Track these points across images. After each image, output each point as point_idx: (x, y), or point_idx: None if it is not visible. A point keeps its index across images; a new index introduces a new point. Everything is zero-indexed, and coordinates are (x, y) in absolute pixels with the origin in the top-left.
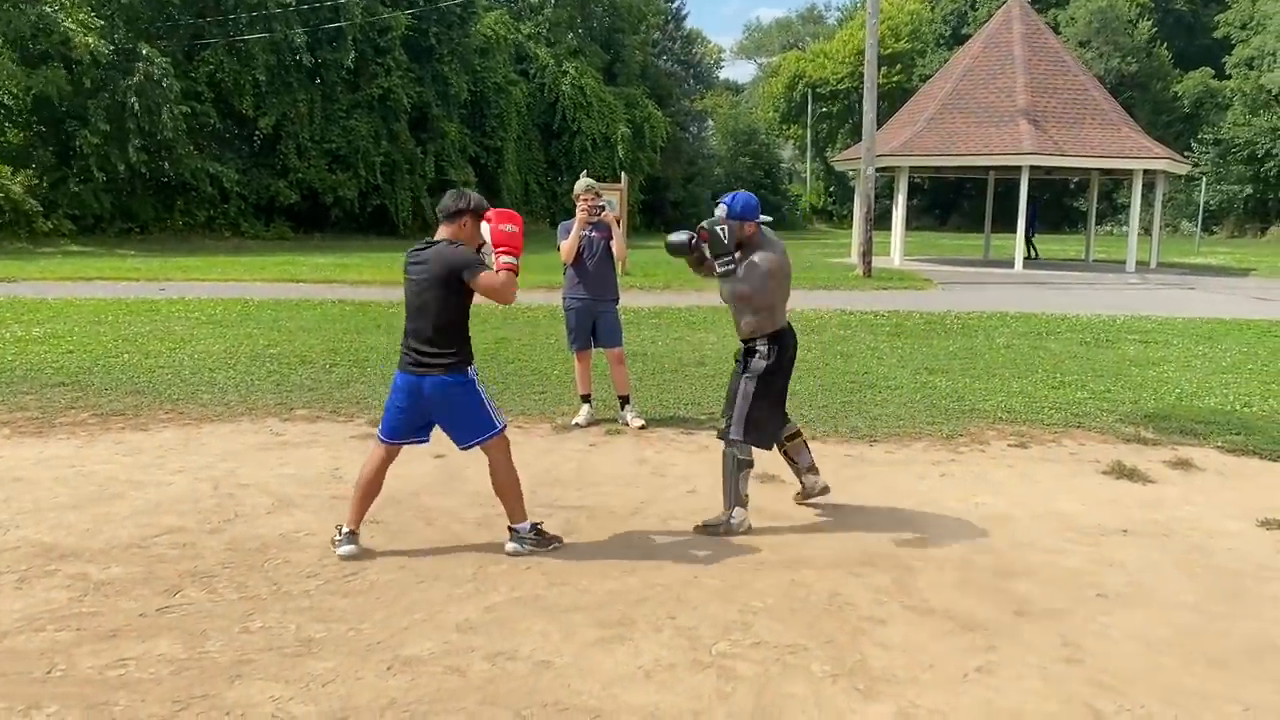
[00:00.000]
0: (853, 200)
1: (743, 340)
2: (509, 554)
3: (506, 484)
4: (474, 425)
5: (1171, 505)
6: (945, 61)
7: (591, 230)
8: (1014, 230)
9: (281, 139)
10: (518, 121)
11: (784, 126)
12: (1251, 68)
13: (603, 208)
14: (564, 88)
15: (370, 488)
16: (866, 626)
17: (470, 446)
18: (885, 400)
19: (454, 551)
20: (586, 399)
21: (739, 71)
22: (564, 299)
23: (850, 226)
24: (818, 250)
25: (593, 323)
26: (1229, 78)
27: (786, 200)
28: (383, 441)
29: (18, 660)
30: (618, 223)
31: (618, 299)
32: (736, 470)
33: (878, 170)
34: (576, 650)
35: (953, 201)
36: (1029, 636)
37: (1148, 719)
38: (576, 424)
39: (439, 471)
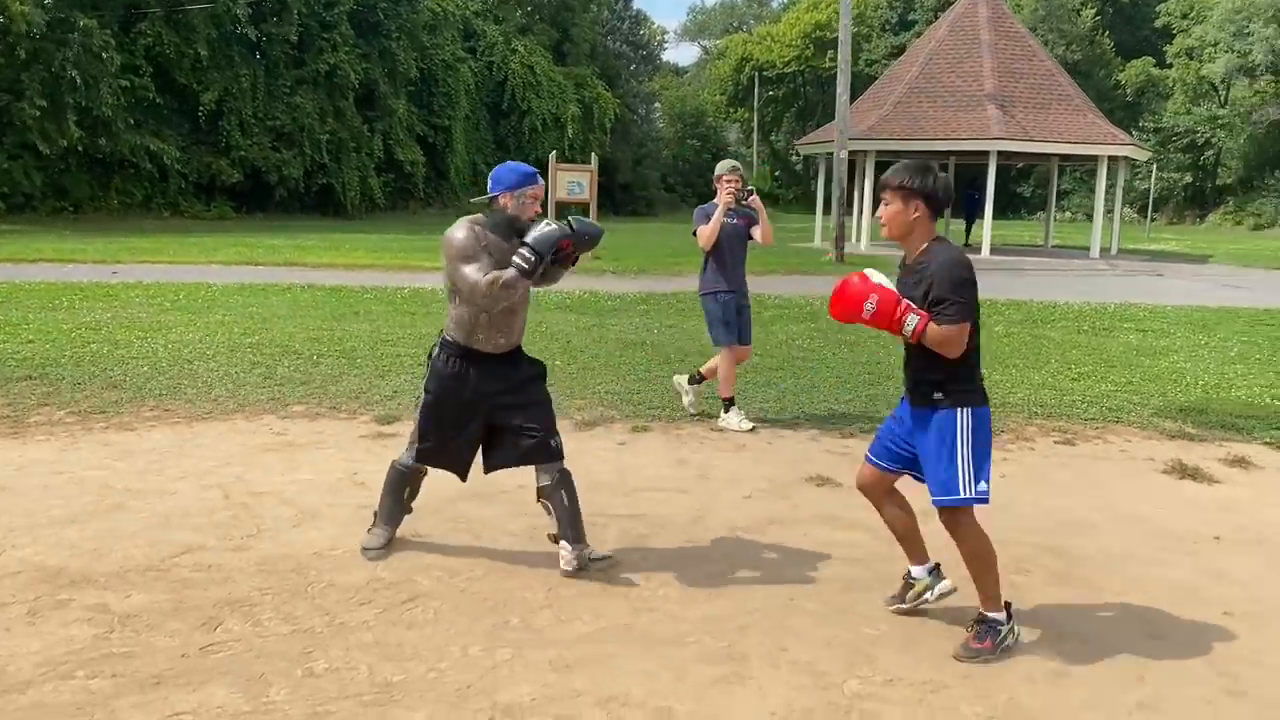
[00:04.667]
0: (800, 184)
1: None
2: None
3: None
4: None
5: (1249, 508)
6: (892, 47)
7: (735, 217)
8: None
9: (224, 115)
10: (466, 100)
11: (731, 109)
12: (1192, 57)
13: (751, 191)
14: (513, 66)
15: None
16: (1000, 658)
17: None
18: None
19: (514, 570)
20: (732, 402)
21: (682, 54)
22: (704, 293)
23: (801, 211)
24: (777, 235)
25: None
26: (1170, 67)
27: None
28: None
29: (50, 718)
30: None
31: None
32: None
33: (826, 155)
34: (695, 693)
35: None
36: (1174, 664)
37: None
38: (753, 428)
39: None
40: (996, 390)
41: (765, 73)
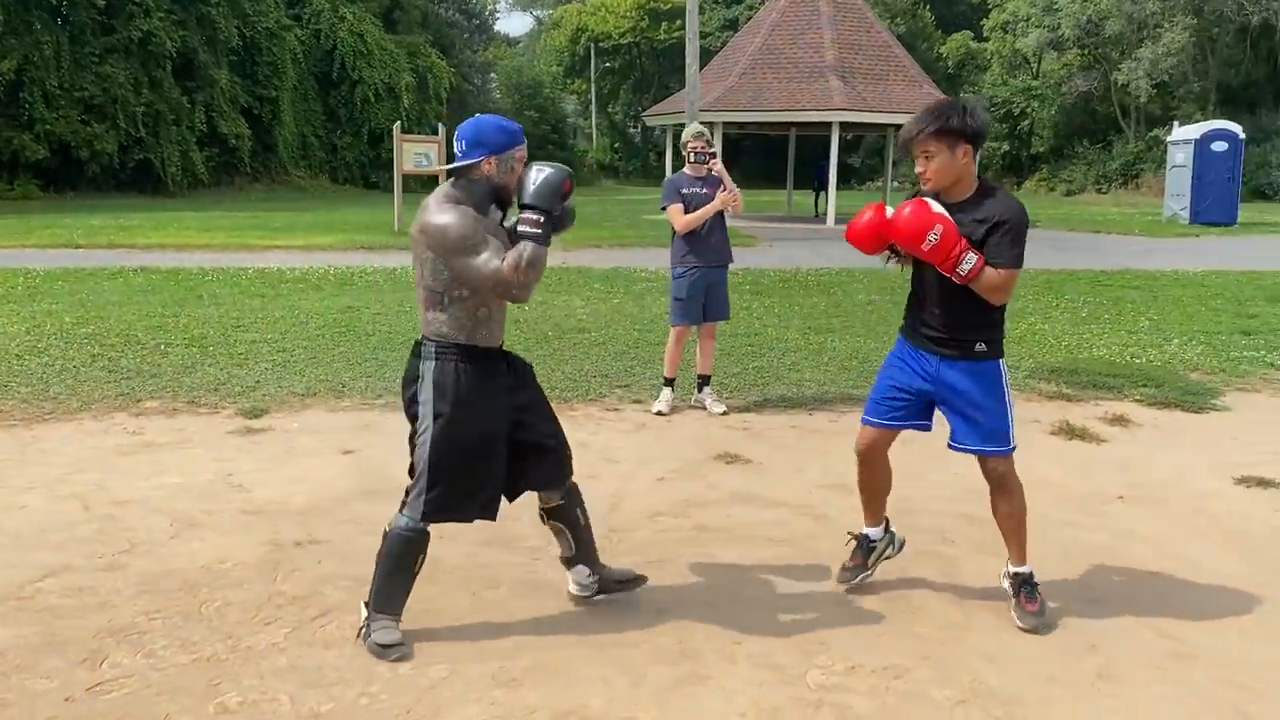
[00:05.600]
0: (639, 156)
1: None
2: None
3: None
4: None
5: (1141, 465)
6: (725, 20)
7: (702, 185)
8: (809, 188)
9: (24, 86)
10: (294, 70)
11: (568, 81)
12: (1006, 31)
13: (712, 154)
14: (342, 34)
15: None
16: (950, 635)
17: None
18: (794, 364)
19: (430, 574)
20: (671, 383)
21: (515, 24)
22: (673, 267)
23: (641, 182)
24: (620, 206)
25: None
26: (987, 40)
27: (574, 156)
28: None
29: None
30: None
31: (731, 260)
32: None
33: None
34: (656, 699)
35: (748, 157)
36: (1119, 630)
37: None
38: (659, 411)
39: (355, 471)
40: (871, 358)
41: (601, 44)
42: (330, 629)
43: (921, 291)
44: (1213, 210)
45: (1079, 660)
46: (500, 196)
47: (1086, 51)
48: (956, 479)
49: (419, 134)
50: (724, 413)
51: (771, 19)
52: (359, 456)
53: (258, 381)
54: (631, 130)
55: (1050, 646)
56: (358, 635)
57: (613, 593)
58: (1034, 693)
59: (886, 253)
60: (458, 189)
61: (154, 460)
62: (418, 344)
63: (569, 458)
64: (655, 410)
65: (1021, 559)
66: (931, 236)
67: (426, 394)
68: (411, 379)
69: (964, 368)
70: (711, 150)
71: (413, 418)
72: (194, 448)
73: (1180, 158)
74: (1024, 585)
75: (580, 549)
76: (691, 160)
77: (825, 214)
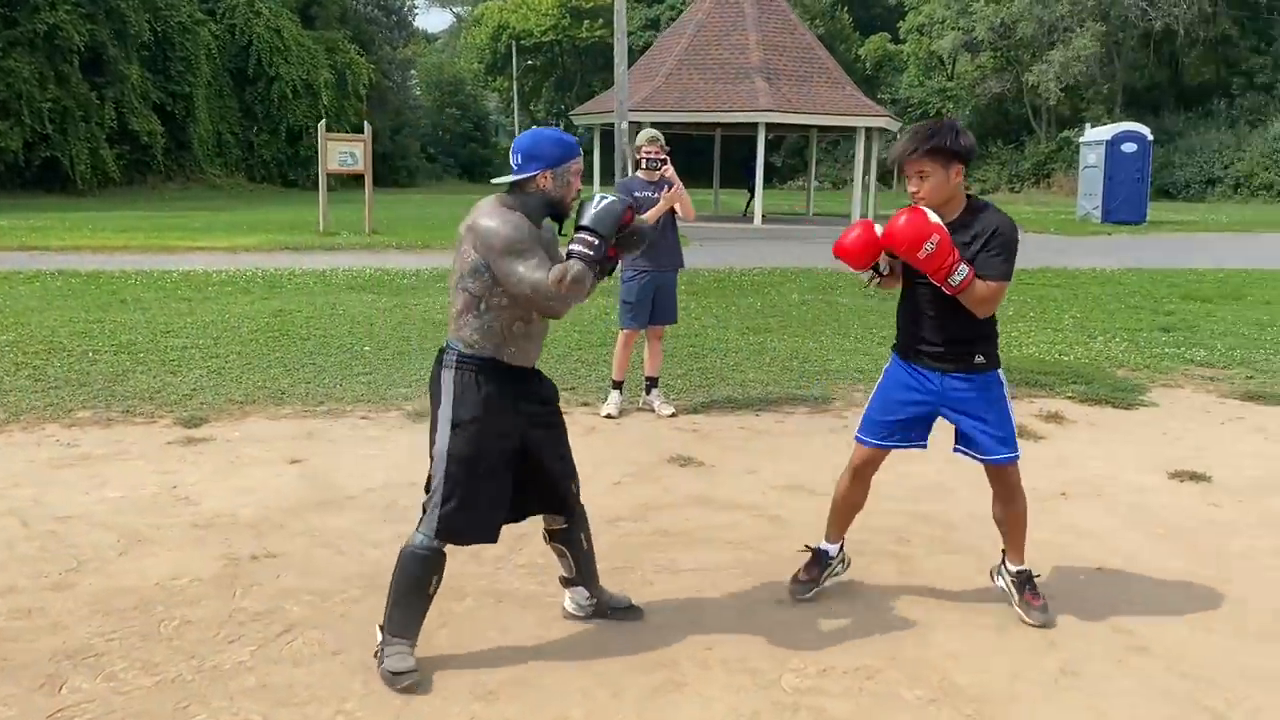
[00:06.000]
0: None
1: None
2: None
3: None
4: None
5: (1079, 462)
6: (646, 19)
7: (654, 190)
8: (737, 187)
9: None
10: (208, 65)
11: (490, 78)
12: (923, 34)
13: (665, 161)
14: (258, 30)
15: None
16: (915, 634)
17: None
18: (737, 365)
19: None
20: (620, 385)
21: (434, 20)
22: (622, 270)
23: None
24: None
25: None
26: (904, 42)
27: (498, 154)
28: None
29: None
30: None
31: (682, 264)
32: None
33: (603, 126)
34: (636, 709)
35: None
36: (1077, 626)
37: (1258, 712)
38: (609, 415)
39: (304, 481)
40: (812, 358)
41: (523, 42)
42: (297, 645)
43: (915, 310)
44: (1123, 209)
45: (1041, 657)
46: (556, 210)
47: (999, 54)
48: (902, 478)
49: (339, 131)
50: (673, 414)
51: (697, 20)
52: (306, 466)
53: (193, 389)
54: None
55: (1012, 644)
56: (374, 655)
57: (607, 618)
58: (1001, 690)
59: (871, 273)
60: (514, 198)
61: (93, 473)
62: (442, 351)
63: (577, 484)
64: (604, 413)
65: (1020, 558)
66: (929, 245)
67: (446, 403)
68: (435, 386)
69: (966, 380)
70: (664, 157)
71: (432, 427)
72: (134, 459)
73: (1092, 158)
74: (1027, 583)
75: (580, 571)
76: (644, 166)
77: (753, 214)
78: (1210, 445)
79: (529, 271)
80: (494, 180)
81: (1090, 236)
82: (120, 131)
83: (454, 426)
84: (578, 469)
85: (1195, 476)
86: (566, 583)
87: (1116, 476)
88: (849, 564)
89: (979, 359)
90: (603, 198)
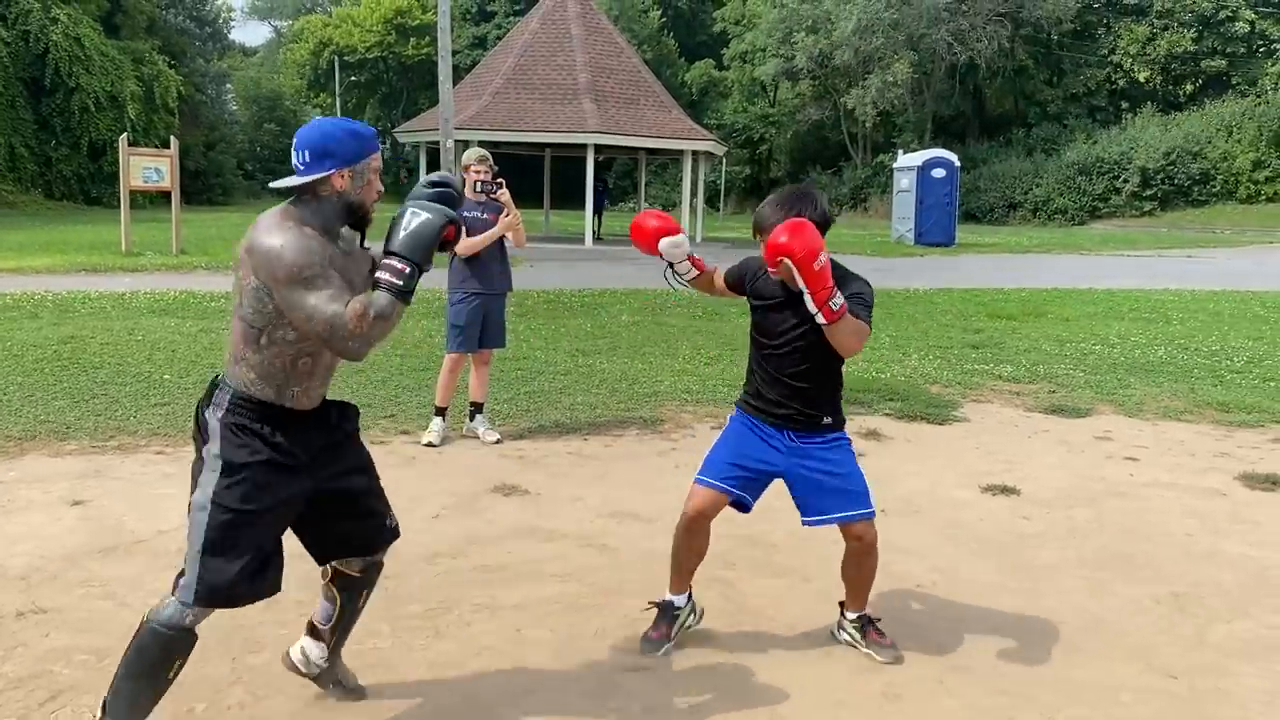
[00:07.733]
0: (388, 173)
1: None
2: None
3: None
4: None
5: (895, 479)
6: (473, 38)
7: (485, 211)
8: (570, 208)
9: None
10: None
11: (311, 94)
12: (745, 61)
13: (499, 184)
14: (55, 38)
15: None
16: (741, 666)
17: None
18: (565, 388)
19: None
20: (443, 412)
21: (251, 33)
22: (450, 292)
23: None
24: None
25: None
26: (728, 69)
27: None
28: None
29: None
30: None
31: (510, 289)
32: None
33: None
34: None
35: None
36: (899, 647)
37: None
38: (430, 443)
39: (86, 525)
40: (641, 380)
41: (346, 58)
42: (65, 714)
43: (767, 372)
44: (934, 232)
45: (865, 682)
46: (356, 216)
47: (818, 82)
48: None
49: (147, 146)
50: (498, 441)
51: (524, 40)
52: (90, 508)
53: None
54: (381, 145)
55: (835, 670)
56: None
57: (323, 687)
58: (827, 718)
59: (670, 271)
60: (301, 208)
61: None
62: (213, 385)
63: (388, 528)
64: (425, 441)
65: (863, 606)
66: (823, 257)
67: (214, 447)
68: (200, 428)
69: (818, 440)
70: (498, 181)
71: (194, 474)
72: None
73: (905, 183)
74: (870, 625)
75: (337, 629)
76: (477, 190)
77: (599, 233)
78: (1019, 459)
79: (322, 304)
80: (273, 185)
81: (904, 258)
82: None
83: (222, 474)
84: (397, 501)
85: (1006, 490)
86: (312, 631)
87: (933, 492)
88: (701, 614)
89: (826, 419)
90: (415, 213)
